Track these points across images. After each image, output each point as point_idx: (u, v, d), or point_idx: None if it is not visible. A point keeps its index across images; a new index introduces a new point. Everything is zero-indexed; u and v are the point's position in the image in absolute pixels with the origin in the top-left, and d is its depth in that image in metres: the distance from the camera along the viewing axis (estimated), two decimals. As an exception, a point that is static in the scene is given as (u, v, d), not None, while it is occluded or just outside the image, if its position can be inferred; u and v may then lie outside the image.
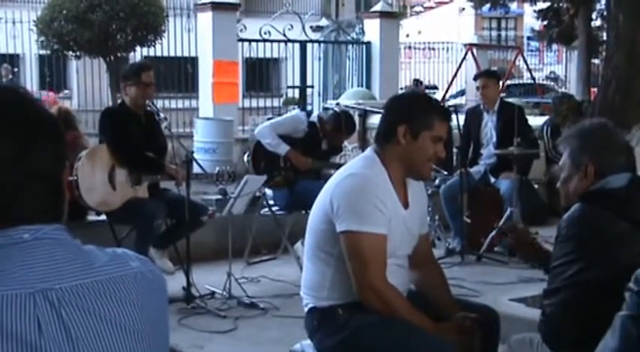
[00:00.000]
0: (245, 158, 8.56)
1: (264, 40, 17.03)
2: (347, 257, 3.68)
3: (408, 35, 32.91)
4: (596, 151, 3.41)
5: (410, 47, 28.30)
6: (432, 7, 51.34)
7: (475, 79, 9.59)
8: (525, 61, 25.79)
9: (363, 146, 9.41)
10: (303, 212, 7.63)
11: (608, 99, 9.70)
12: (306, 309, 3.92)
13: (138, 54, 20.71)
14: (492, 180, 8.96)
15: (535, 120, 11.43)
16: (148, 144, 7.09)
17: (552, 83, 33.82)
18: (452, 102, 20.95)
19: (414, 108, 3.88)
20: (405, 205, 3.89)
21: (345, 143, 11.85)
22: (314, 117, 8.48)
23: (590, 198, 3.37)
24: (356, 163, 3.98)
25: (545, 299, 3.41)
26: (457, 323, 3.74)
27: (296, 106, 16.99)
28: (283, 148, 8.21)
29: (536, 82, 26.46)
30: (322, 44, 19.35)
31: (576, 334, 3.29)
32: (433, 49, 27.46)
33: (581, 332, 3.27)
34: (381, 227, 3.66)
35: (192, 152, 7.50)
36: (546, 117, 12.13)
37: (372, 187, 3.73)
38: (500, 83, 9.96)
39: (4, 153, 1.63)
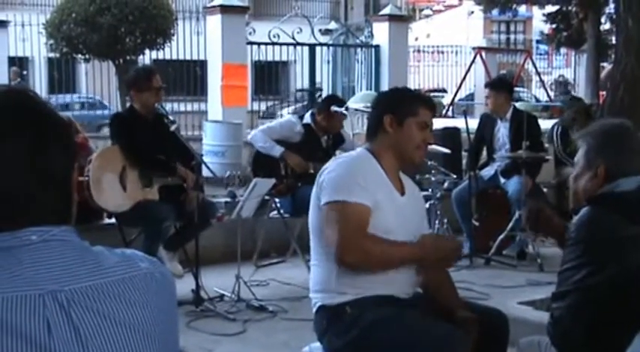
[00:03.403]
0: (249, 168, 8.53)
1: (273, 43, 17.05)
2: (325, 226, 3.74)
3: (416, 38, 32.93)
4: (609, 152, 3.38)
5: (419, 50, 28.31)
6: (440, 11, 51.36)
7: (485, 87, 9.58)
8: (534, 65, 25.77)
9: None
10: (311, 215, 7.62)
11: (617, 102, 9.69)
12: (314, 309, 3.92)
13: (147, 57, 20.77)
14: (502, 180, 8.96)
15: (545, 124, 11.41)
16: (158, 148, 7.09)
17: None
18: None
19: (397, 98, 4.08)
20: (402, 193, 3.96)
21: (358, 143, 11.82)
22: (307, 119, 8.41)
23: (600, 201, 3.34)
24: (346, 154, 4.24)
25: (554, 302, 3.39)
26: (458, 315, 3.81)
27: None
28: (277, 150, 8.16)
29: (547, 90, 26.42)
30: (331, 47, 19.36)
31: (584, 337, 3.28)
32: (442, 52, 27.51)
33: (590, 336, 3.26)
34: (362, 199, 3.70)
35: (202, 155, 7.48)
36: (556, 120, 12.11)
37: (356, 167, 3.86)
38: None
39: (16, 154, 1.64)
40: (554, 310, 3.38)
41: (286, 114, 18.02)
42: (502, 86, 9.31)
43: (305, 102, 18.69)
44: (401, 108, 3.94)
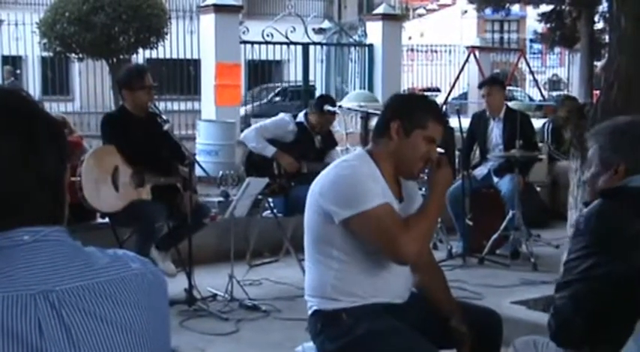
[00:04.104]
0: (242, 168, 8.49)
1: (267, 43, 17.04)
2: (368, 236, 3.63)
3: (410, 38, 32.91)
4: (628, 150, 3.36)
5: (412, 50, 28.28)
6: (434, 10, 51.41)
7: (480, 87, 9.58)
8: (528, 64, 25.75)
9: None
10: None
11: (611, 101, 9.68)
12: (310, 312, 3.88)
13: (140, 56, 20.77)
14: (495, 180, 8.96)
15: (538, 123, 11.43)
16: (151, 147, 7.03)
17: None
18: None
19: (410, 106, 3.88)
20: (400, 199, 3.88)
21: (347, 145, 11.82)
22: (301, 118, 8.35)
23: (611, 195, 3.35)
24: (344, 158, 4.00)
25: (557, 292, 3.40)
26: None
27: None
28: (270, 150, 8.11)
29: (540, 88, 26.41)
30: (325, 46, 19.36)
31: (584, 328, 3.28)
32: (435, 51, 27.49)
33: (589, 327, 3.27)
34: (380, 199, 3.61)
35: (195, 154, 7.45)
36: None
37: (361, 173, 3.70)
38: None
39: (9, 154, 1.63)
40: (557, 299, 3.38)
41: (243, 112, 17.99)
42: (498, 82, 9.38)
43: (268, 99, 18.50)
44: (411, 117, 3.77)
